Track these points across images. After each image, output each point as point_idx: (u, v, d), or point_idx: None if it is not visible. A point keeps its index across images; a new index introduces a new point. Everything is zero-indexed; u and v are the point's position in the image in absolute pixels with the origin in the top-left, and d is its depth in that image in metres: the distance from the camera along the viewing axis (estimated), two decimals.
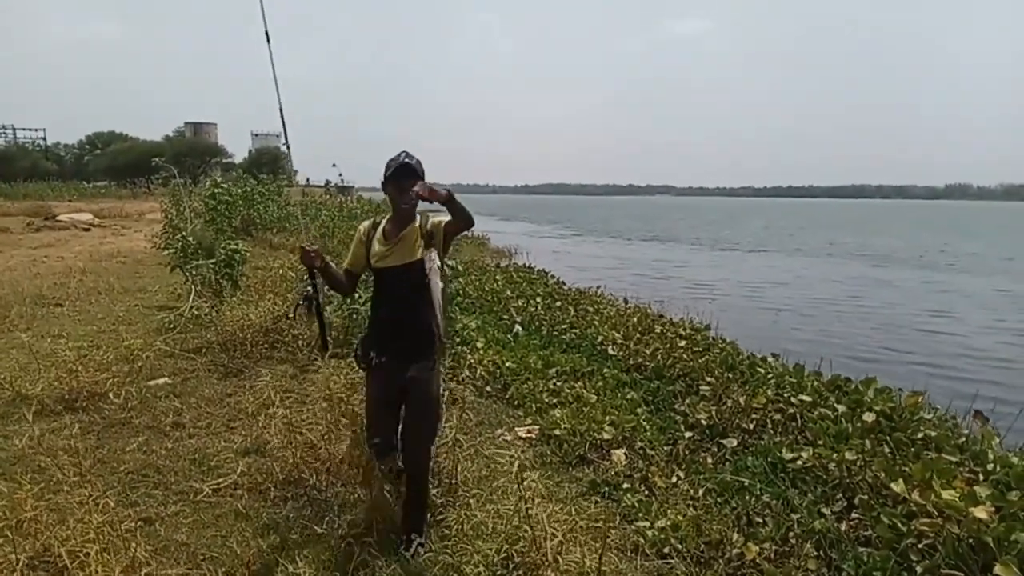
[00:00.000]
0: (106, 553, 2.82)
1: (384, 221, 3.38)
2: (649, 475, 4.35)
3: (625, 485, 4.21)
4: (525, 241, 29.67)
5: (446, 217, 3.22)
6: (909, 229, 59.19)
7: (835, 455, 4.42)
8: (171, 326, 7.39)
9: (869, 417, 5.13)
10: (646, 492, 4.15)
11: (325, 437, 4.18)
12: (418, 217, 3.34)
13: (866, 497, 4.02)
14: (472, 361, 6.63)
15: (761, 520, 3.86)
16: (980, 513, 3.38)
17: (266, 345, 6.42)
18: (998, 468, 4.39)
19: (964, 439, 5.03)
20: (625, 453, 4.74)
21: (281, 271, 9.92)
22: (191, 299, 7.77)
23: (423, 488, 3.43)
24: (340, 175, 30.18)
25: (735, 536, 3.56)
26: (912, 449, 4.66)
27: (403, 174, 3.17)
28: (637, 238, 40.17)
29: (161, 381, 5.66)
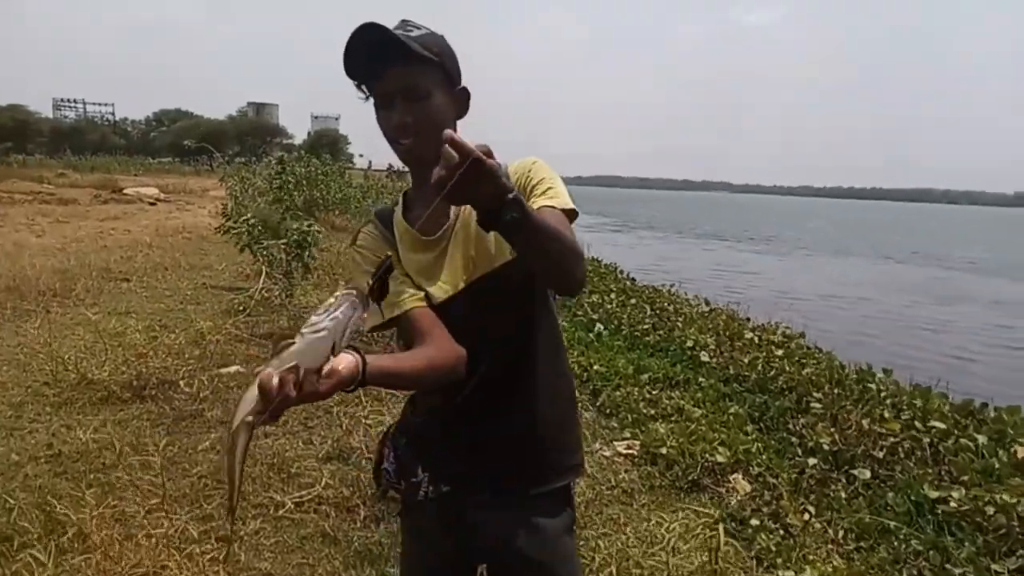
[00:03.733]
0: None
1: (399, 205, 1.60)
2: (780, 510, 3.81)
3: (753, 521, 3.68)
4: (582, 234, 29.09)
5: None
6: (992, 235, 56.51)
7: (995, 497, 3.83)
8: (240, 308, 7.08)
9: (1020, 452, 4.50)
10: (781, 532, 3.61)
11: None
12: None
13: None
14: None
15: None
16: None
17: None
18: None
19: None
20: (747, 480, 4.20)
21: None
22: (261, 280, 7.45)
23: None
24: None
25: None
26: None
27: (375, 56, 1.37)
28: (705, 235, 39.09)
29: (232, 369, 5.32)
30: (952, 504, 3.82)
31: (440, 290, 1.47)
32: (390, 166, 31.11)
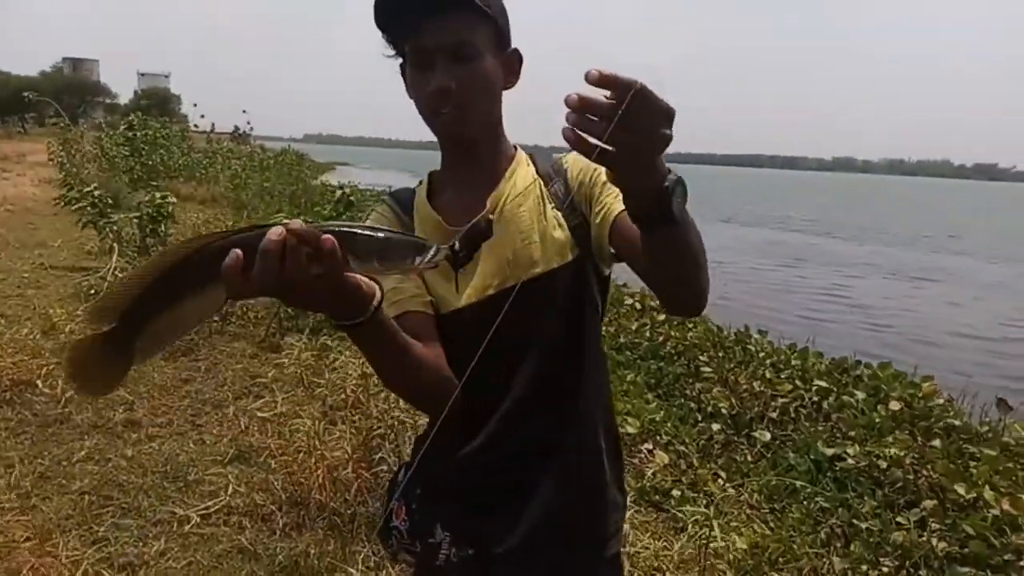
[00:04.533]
0: None
1: (422, 186, 1.34)
2: (697, 478, 3.87)
3: (675, 492, 3.72)
4: None
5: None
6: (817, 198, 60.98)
7: (885, 451, 4.09)
8: (92, 291, 6.32)
9: (895, 406, 4.86)
10: (704, 501, 3.66)
11: (316, 436, 3.47)
12: (520, 153, 1.31)
13: (933, 503, 3.69)
14: None
15: (838, 533, 3.46)
16: None
17: (216, 319, 5.52)
18: None
19: (987, 428, 4.85)
20: (659, 450, 4.24)
21: (208, 226, 8.85)
22: (114, 259, 6.68)
23: None
24: (249, 123, 28.11)
25: (835, 561, 3.11)
26: (952, 443, 4.40)
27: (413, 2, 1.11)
28: None
29: None
30: (849, 461, 4.05)
31: (461, 295, 1.21)
32: (236, 128, 29.18)
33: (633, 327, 6.78)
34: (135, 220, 7.09)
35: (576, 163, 1.26)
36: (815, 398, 5.02)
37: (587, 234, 1.22)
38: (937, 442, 4.27)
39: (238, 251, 0.81)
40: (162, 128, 19.43)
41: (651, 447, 4.31)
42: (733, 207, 41.12)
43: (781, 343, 6.48)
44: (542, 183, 1.26)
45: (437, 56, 1.12)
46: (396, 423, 3.40)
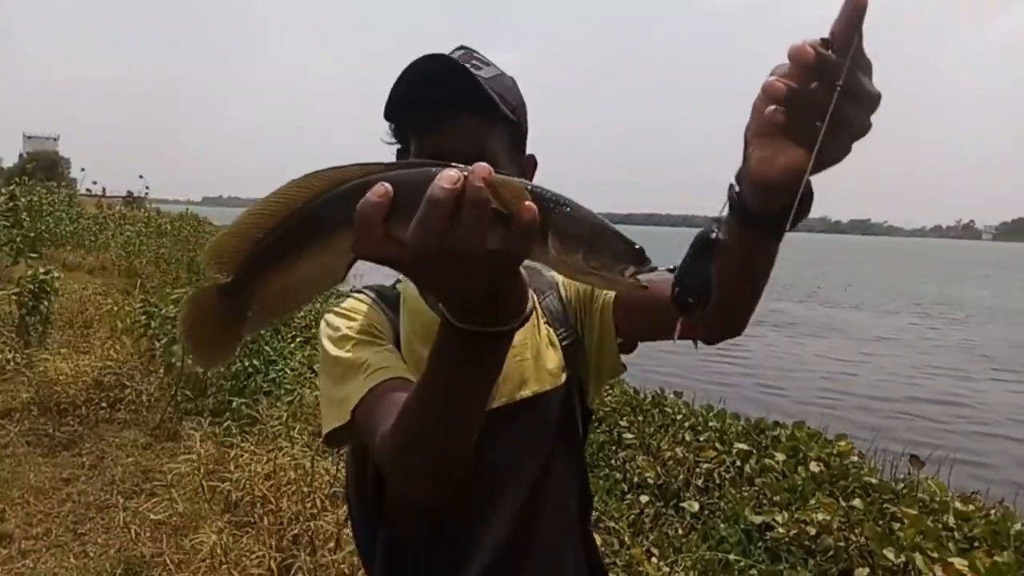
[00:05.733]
0: None
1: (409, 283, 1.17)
2: (632, 558, 3.72)
3: None
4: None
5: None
6: None
7: (811, 516, 4.07)
8: None
9: (815, 467, 4.89)
10: None
11: (221, 545, 3.13)
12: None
13: (866, 572, 3.67)
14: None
15: None
16: None
17: (103, 405, 5.05)
18: (956, 521, 4.28)
19: (903, 485, 4.94)
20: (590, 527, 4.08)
21: (96, 299, 8.26)
22: None
23: None
24: (146, 187, 26.98)
25: None
26: (873, 503, 4.45)
27: (436, 100, 1.00)
28: None
29: None
30: (779, 529, 4.00)
31: None
32: (129, 193, 27.94)
33: None
34: (13, 297, 6.51)
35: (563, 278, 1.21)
36: (737, 462, 5.00)
37: (579, 353, 1.18)
38: (858, 502, 4.30)
39: (387, 187, 0.59)
40: (48, 194, 18.35)
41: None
42: None
43: (695, 405, 6.50)
44: (535, 297, 1.18)
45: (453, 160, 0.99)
46: (313, 527, 3.10)
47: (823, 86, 0.64)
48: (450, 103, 1.00)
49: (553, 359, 1.15)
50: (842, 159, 0.69)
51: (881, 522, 4.12)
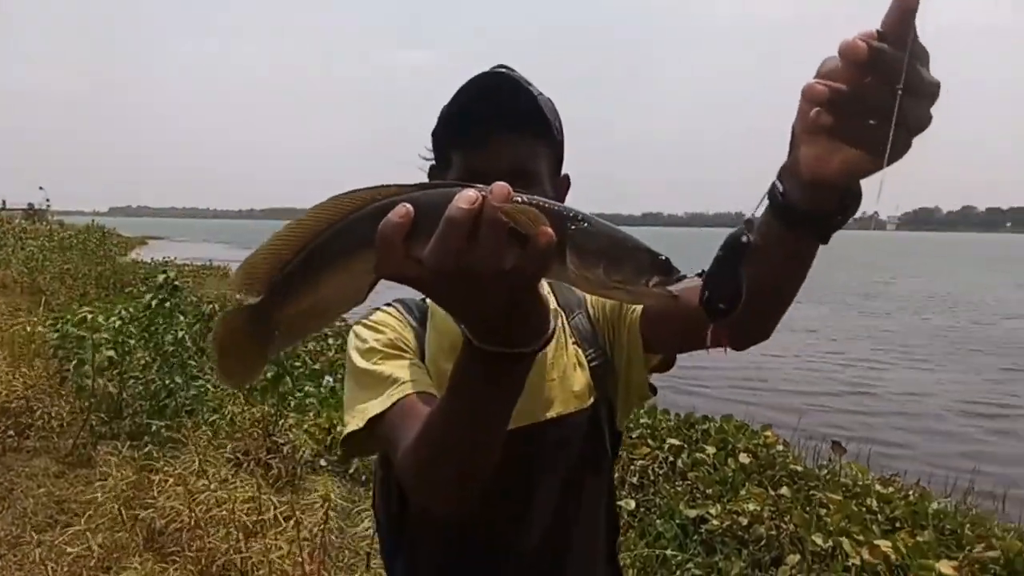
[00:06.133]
0: None
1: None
2: None
3: None
4: None
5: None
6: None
7: (743, 507, 4.18)
8: None
9: (744, 458, 5.03)
10: None
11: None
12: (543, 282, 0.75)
13: (797, 558, 3.78)
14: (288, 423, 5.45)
15: None
16: (947, 569, 3.24)
17: (11, 432, 4.74)
18: (879, 504, 4.47)
19: (827, 471, 5.13)
20: None
21: (3, 322, 7.76)
22: None
23: None
24: (47, 199, 25.58)
25: None
26: (800, 491, 4.60)
27: (488, 112, 1.01)
28: None
29: None
30: (713, 522, 4.08)
31: None
32: (30, 205, 26.44)
33: None
34: None
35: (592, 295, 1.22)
36: (670, 457, 5.09)
37: (608, 374, 1.17)
38: (785, 490, 4.45)
39: (408, 207, 0.60)
40: None
41: None
42: None
43: None
44: (563, 316, 1.19)
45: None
46: (241, 558, 2.97)
47: (878, 82, 0.62)
48: (498, 118, 1.00)
49: (580, 380, 1.14)
50: (902, 156, 0.66)
51: (808, 508, 4.26)
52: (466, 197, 0.58)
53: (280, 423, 5.16)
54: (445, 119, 1.05)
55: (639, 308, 1.11)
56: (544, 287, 1.04)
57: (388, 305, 1.20)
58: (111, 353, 5.16)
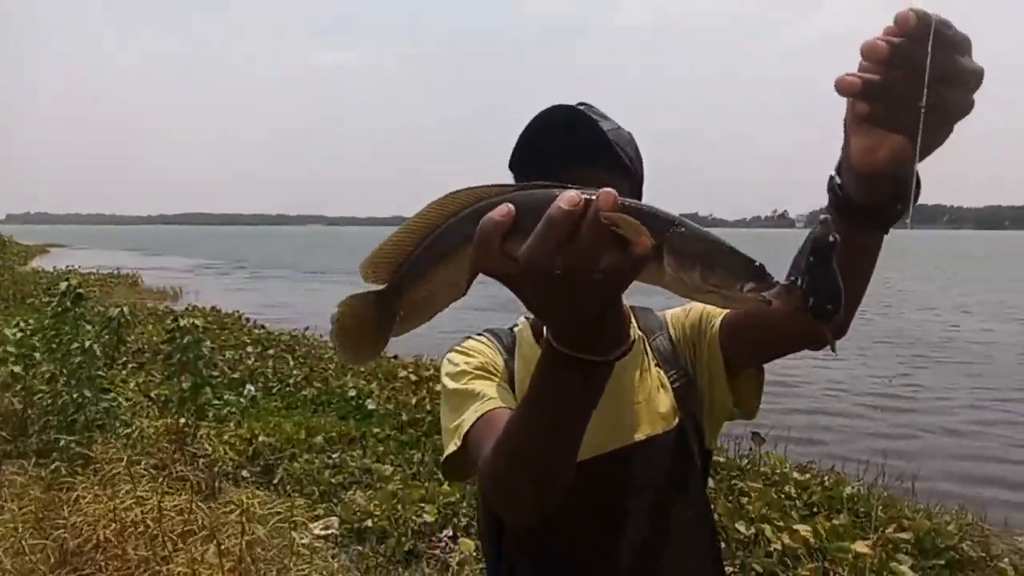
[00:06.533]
0: None
1: (527, 327, 1.26)
2: None
3: None
4: (188, 280, 26.39)
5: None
6: None
7: None
8: None
9: None
10: None
11: None
12: (624, 306, 0.89)
13: (721, 547, 3.89)
14: (207, 434, 5.28)
15: None
16: (862, 548, 3.39)
17: None
18: (796, 490, 4.65)
19: (747, 461, 5.30)
20: (463, 535, 4.04)
21: None
22: None
23: None
24: None
25: None
26: (723, 481, 4.73)
27: (560, 150, 1.03)
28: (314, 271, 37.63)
29: None
30: None
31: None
32: None
33: (413, 402, 6.59)
34: None
35: (675, 314, 1.25)
36: None
37: (692, 394, 1.19)
38: (708, 480, 4.56)
39: (509, 207, 0.63)
40: None
41: (452, 533, 4.11)
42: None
43: None
44: (645, 338, 1.22)
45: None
46: (165, 572, 2.84)
47: (907, 74, 0.65)
48: (571, 153, 1.02)
49: (665, 402, 1.16)
50: (944, 142, 0.69)
51: (731, 497, 4.39)
52: (567, 198, 0.60)
53: (197, 434, 4.99)
54: (522, 149, 1.07)
55: (717, 325, 1.14)
56: (626, 304, 1.12)
57: (479, 334, 1.26)
58: (16, 368, 4.88)
